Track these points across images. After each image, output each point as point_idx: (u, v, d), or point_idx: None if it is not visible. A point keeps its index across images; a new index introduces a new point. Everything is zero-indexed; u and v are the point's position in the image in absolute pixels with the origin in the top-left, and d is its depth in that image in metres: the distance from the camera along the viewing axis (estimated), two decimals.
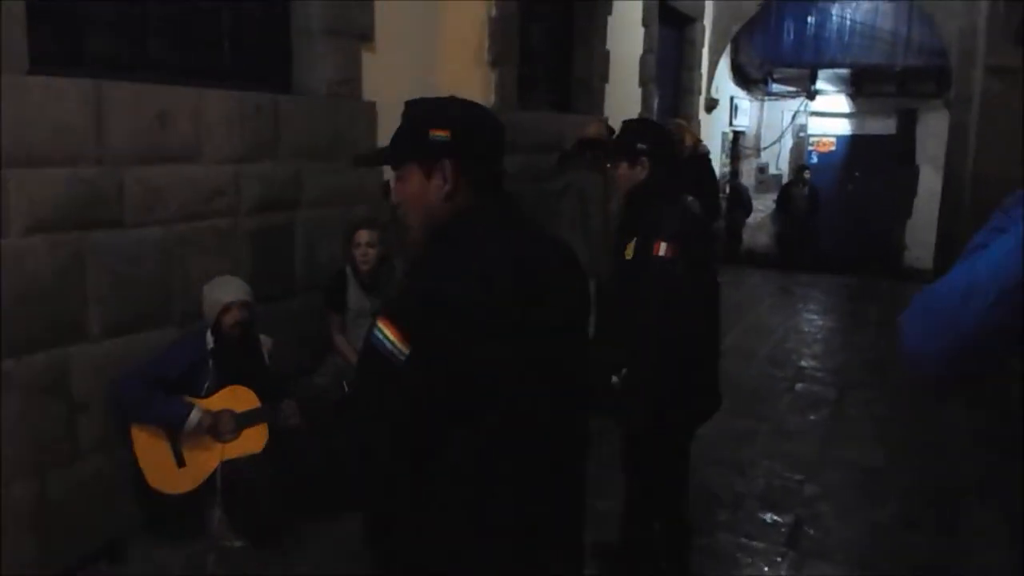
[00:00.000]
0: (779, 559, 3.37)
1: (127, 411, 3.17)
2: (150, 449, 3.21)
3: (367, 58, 4.38)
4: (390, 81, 4.51)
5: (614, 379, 2.68)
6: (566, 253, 1.58)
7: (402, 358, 1.29)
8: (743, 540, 3.51)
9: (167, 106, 3.27)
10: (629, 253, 2.65)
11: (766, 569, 3.30)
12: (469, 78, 5.38)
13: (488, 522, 1.42)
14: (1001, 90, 7.50)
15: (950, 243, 9.29)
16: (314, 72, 4.10)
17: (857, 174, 12.42)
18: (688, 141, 5.72)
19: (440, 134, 1.45)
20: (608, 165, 2.89)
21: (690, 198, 2.90)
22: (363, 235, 3.90)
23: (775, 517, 3.73)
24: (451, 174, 1.44)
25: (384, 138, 4.36)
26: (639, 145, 2.69)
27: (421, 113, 1.50)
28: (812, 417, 5.11)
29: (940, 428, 4.89)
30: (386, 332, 1.31)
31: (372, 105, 4.39)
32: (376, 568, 1.54)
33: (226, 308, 3.32)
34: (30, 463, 2.91)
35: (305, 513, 1.63)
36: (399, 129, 1.51)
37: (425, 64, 4.91)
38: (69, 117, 2.91)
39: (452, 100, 1.55)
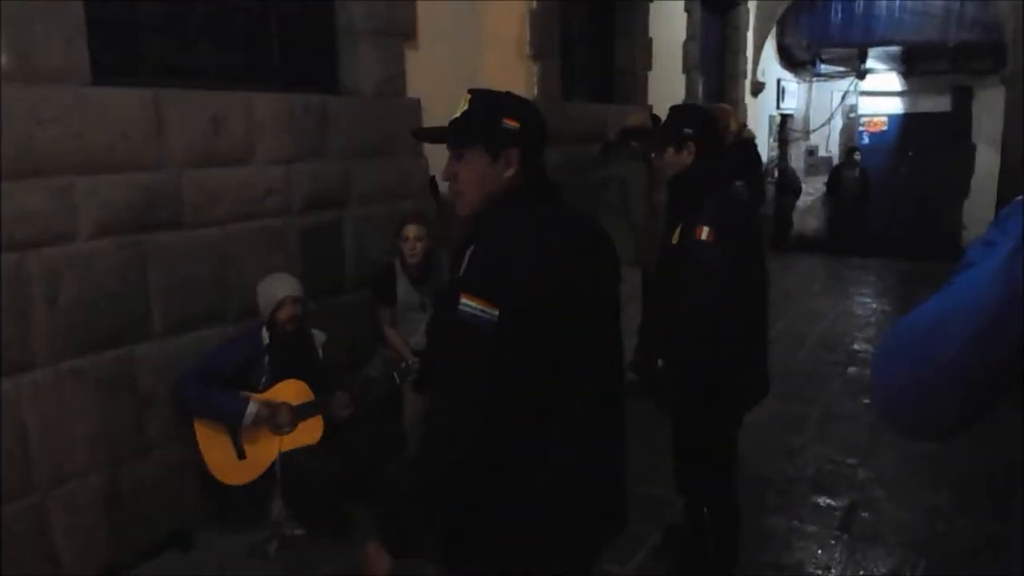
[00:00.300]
0: (833, 542, 3.36)
1: (188, 406, 3.30)
2: (212, 442, 3.34)
3: (410, 56, 4.46)
4: (433, 78, 4.59)
5: (659, 363, 2.72)
6: (596, 228, 1.82)
7: (492, 319, 1.48)
8: (795, 524, 3.51)
9: (220, 110, 3.40)
10: (675, 238, 2.68)
11: (820, 552, 3.30)
12: (511, 72, 5.42)
13: (551, 470, 1.61)
14: None
15: None
16: (359, 71, 4.20)
17: (910, 154, 12.11)
18: (733, 126, 5.66)
19: (512, 124, 1.64)
20: (653, 154, 2.90)
21: (738, 183, 2.89)
22: (411, 229, 3.98)
23: (828, 501, 3.72)
24: (516, 161, 1.64)
25: None
26: (685, 130, 2.71)
27: (493, 103, 1.69)
28: (865, 401, 5.05)
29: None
30: (471, 302, 1.49)
31: (417, 102, 4.47)
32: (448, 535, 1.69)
33: (280, 304, 3.43)
34: (103, 456, 3.06)
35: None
36: (466, 114, 1.67)
37: (467, 59, 4.96)
38: (130, 125, 3.05)
39: (511, 94, 1.74)
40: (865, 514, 3.62)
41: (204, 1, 3.52)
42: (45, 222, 2.80)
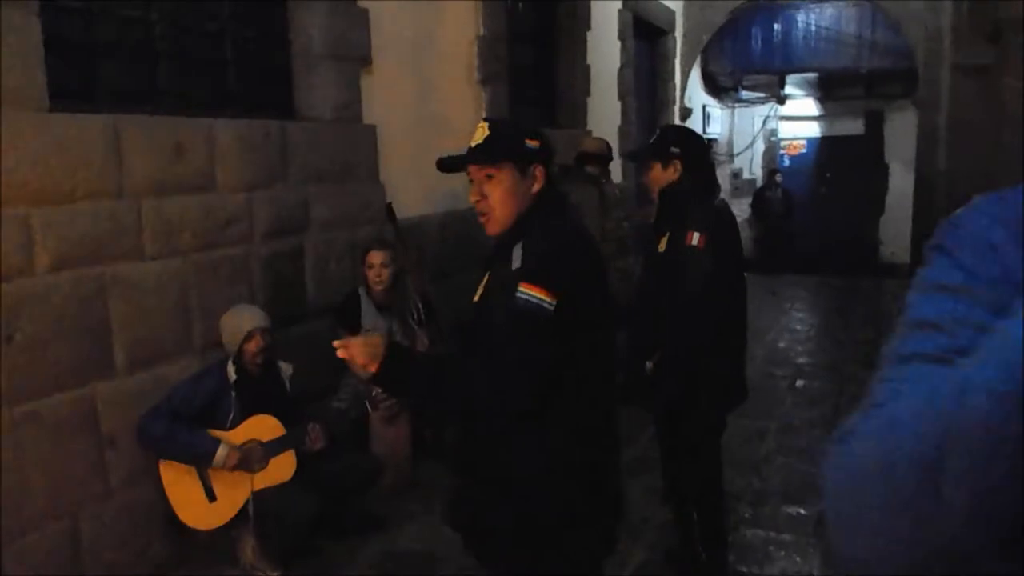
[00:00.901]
0: (811, 550, 3.42)
1: (154, 447, 3.14)
2: (179, 484, 3.18)
3: (365, 81, 4.42)
4: (388, 103, 4.56)
5: (648, 365, 2.79)
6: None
7: (551, 309, 1.63)
8: (772, 534, 3.56)
9: (181, 137, 3.28)
10: (662, 246, 2.80)
11: (799, 560, 3.35)
12: (462, 96, 5.43)
13: (582, 443, 1.77)
14: (971, 88, 7.73)
15: (926, 238, 9.52)
16: (317, 96, 4.13)
17: (828, 175, 12.68)
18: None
19: (533, 143, 1.85)
20: (641, 170, 3.03)
21: (721, 197, 3.03)
22: (376, 256, 3.92)
23: (799, 510, 3.79)
24: (541, 177, 1.83)
25: (388, 158, 4.44)
26: (672, 149, 2.86)
27: (512, 125, 1.96)
28: (817, 412, 5.20)
29: None
30: (531, 292, 1.64)
31: (373, 129, 4.42)
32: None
33: (248, 336, 3.31)
34: (63, 503, 2.87)
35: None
36: (490, 138, 1.83)
37: (420, 85, 4.96)
38: (90, 152, 2.91)
39: (519, 120, 1.95)
40: None
41: (161, 24, 3.41)
42: (5, 255, 2.63)
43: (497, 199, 1.80)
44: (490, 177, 1.80)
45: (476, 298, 1.88)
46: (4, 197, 2.62)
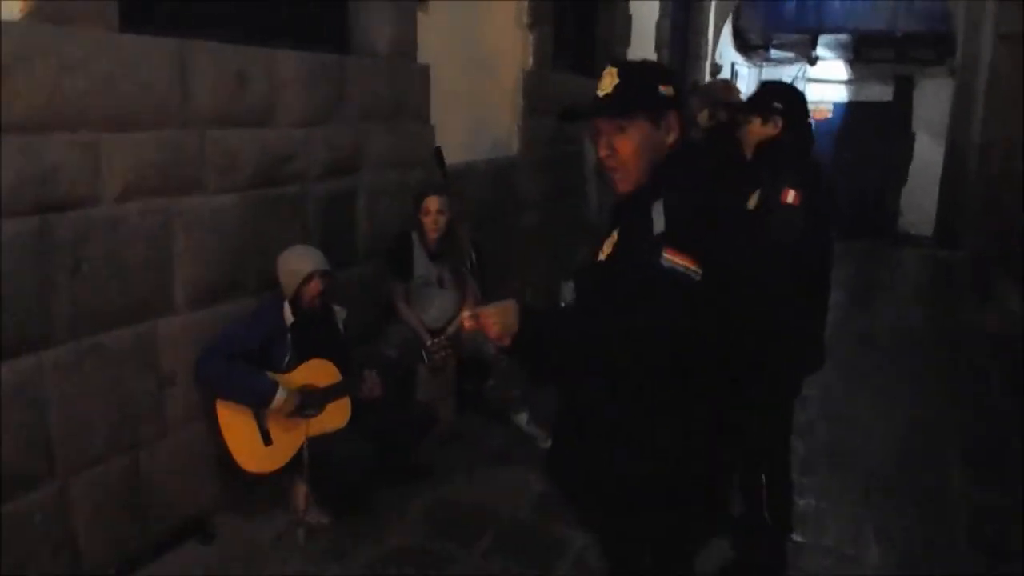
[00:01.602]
0: (863, 519, 3.41)
1: (212, 386, 3.06)
2: (235, 426, 3.11)
3: (420, 19, 4.24)
4: (440, 43, 4.40)
5: None
6: None
7: (696, 278, 1.50)
8: (824, 504, 3.54)
9: (244, 66, 3.13)
10: (752, 203, 2.69)
11: (853, 528, 3.34)
12: (509, 40, 5.28)
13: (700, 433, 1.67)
14: (1015, 57, 7.54)
15: (955, 210, 9.43)
16: (374, 31, 3.96)
17: (853, 141, 12.50)
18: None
19: (668, 90, 1.68)
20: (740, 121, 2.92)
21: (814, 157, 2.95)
22: (433, 202, 3.81)
23: (848, 478, 3.78)
24: (676, 123, 1.68)
25: (438, 99, 4.29)
26: (775, 104, 2.77)
27: (645, 71, 1.73)
28: (855, 381, 5.16)
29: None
30: (676, 259, 1.51)
31: (426, 67, 4.26)
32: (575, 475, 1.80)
33: (308, 279, 3.21)
34: (123, 439, 2.81)
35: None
36: (620, 86, 1.66)
37: (469, 26, 4.78)
38: (156, 77, 2.76)
39: (651, 61, 1.78)
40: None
41: None
42: (70, 182, 2.51)
43: (630, 153, 1.66)
44: (622, 129, 1.66)
45: (603, 256, 1.71)
46: (74, 120, 2.49)
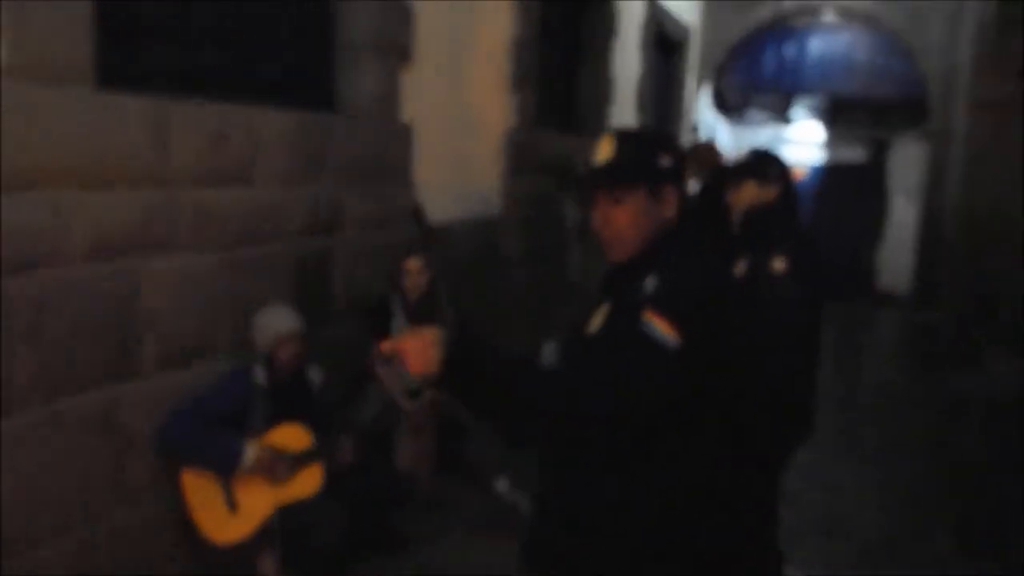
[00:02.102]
0: None
1: (178, 451, 2.93)
2: (201, 494, 2.97)
3: (403, 77, 4.24)
4: (422, 101, 4.38)
5: None
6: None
7: (674, 347, 1.41)
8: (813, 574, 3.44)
9: (223, 125, 3.08)
10: (739, 269, 2.65)
11: None
12: (493, 99, 5.28)
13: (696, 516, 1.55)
14: (990, 123, 7.70)
15: (931, 271, 9.52)
16: (358, 89, 3.94)
17: (829, 202, 12.64)
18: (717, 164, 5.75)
19: (666, 160, 1.62)
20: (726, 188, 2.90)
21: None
22: (413, 263, 3.74)
23: (837, 546, 3.68)
24: (673, 198, 1.61)
25: (421, 157, 4.26)
26: (770, 169, 2.80)
27: (644, 141, 1.67)
28: (842, 444, 5.10)
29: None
30: (656, 324, 1.42)
31: (409, 126, 4.24)
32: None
33: (283, 340, 3.12)
34: (80, 512, 2.66)
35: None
36: (618, 156, 1.61)
37: (454, 85, 4.79)
38: (134, 136, 2.70)
39: (650, 129, 1.70)
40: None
41: (210, 2, 3.20)
42: (33, 241, 2.41)
43: (624, 225, 1.60)
44: (617, 201, 1.59)
45: (592, 327, 1.62)
46: (46, 177, 2.41)
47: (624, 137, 1.65)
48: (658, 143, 1.65)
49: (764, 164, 2.80)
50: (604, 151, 1.63)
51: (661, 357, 1.42)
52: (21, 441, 2.43)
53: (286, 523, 3.00)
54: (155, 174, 2.79)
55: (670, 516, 1.55)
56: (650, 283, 1.50)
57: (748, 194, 2.78)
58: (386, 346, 1.48)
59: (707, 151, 6.01)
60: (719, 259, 1.72)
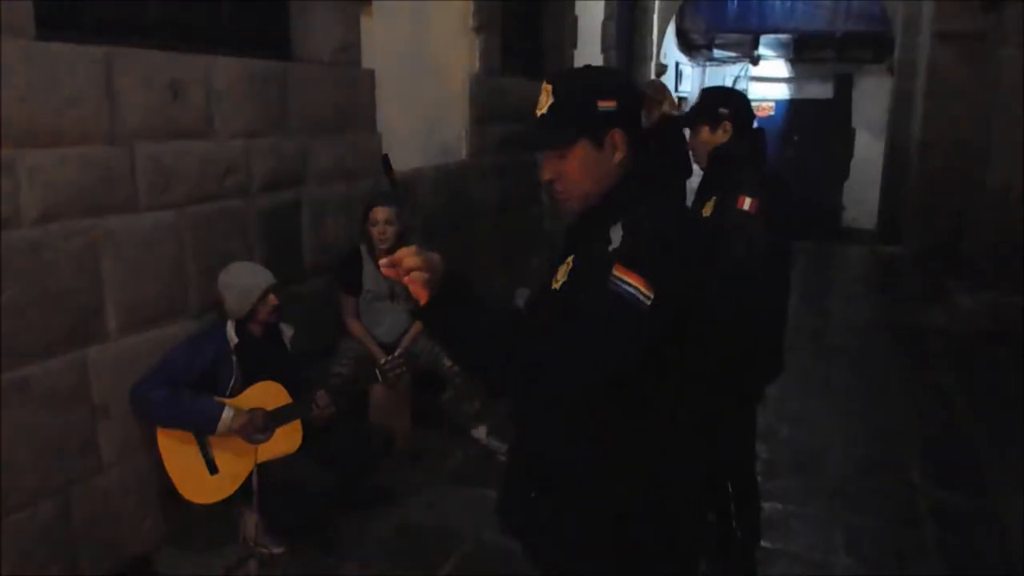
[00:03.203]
0: (830, 522, 3.38)
1: (152, 414, 2.88)
2: (178, 456, 2.93)
3: (364, 24, 4.09)
4: (384, 48, 4.25)
5: None
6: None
7: (647, 303, 1.35)
8: (790, 507, 3.51)
9: (177, 75, 2.95)
10: (707, 210, 2.63)
11: (821, 532, 3.31)
12: (456, 44, 5.15)
13: (671, 471, 1.54)
14: (952, 56, 7.70)
15: (895, 205, 9.61)
16: (316, 37, 3.80)
17: (796, 138, 12.68)
18: (666, 105, 5.72)
19: (607, 104, 1.49)
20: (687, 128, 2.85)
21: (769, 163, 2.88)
22: (380, 212, 3.67)
23: (812, 481, 3.76)
24: (621, 142, 1.50)
25: (385, 107, 4.15)
26: (720, 110, 2.70)
27: (580, 85, 1.53)
28: (812, 381, 5.17)
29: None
30: (628, 280, 1.36)
31: (371, 73, 4.12)
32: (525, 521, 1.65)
33: (263, 296, 3.05)
34: (53, 479, 2.61)
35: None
36: (554, 107, 1.50)
37: (416, 30, 4.65)
38: (80, 89, 2.57)
39: (595, 68, 1.61)
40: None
41: None
42: None
43: (574, 178, 1.51)
44: (562, 156, 1.51)
45: (556, 283, 1.53)
46: None
47: (561, 83, 1.52)
48: (597, 87, 1.51)
49: (713, 105, 2.74)
50: (542, 99, 1.52)
51: (634, 316, 1.36)
52: None
53: (266, 482, 2.97)
54: (106, 128, 2.67)
55: (645, 472, 1.51)
56: (615, 234, 1.42)
57: (703, 138, 2.73)
58: (385, 263, 1.41)
59: (655, 87, 5.97)
60: (683, 201, 1.66)
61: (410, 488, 3.57)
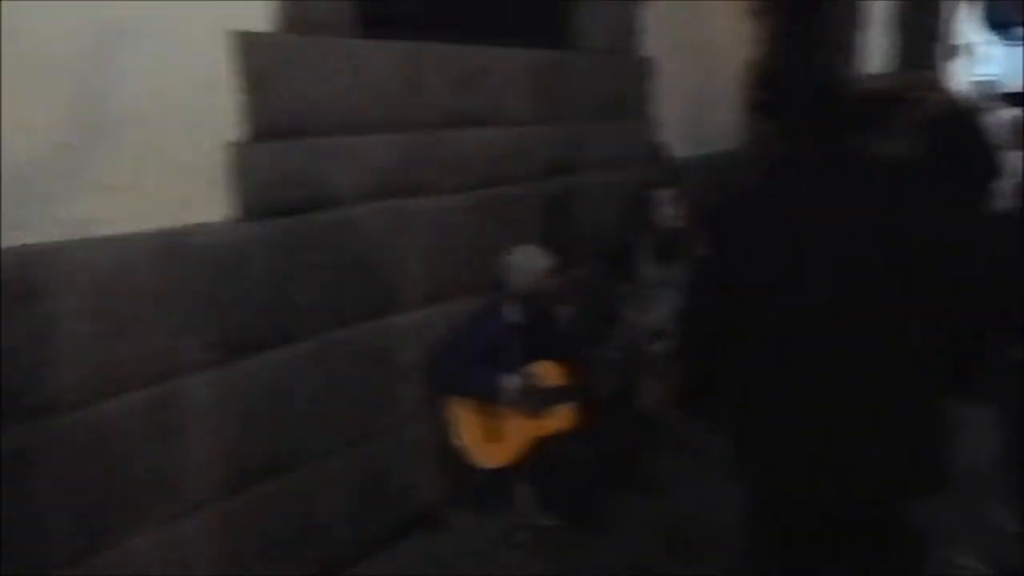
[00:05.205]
0: None
1: (446, 383, 3.07)
2: (466, 421, 3.11)
3: (642, 13, 4.09)
4: (663, 35, 4.22)
5: None
6: None
7: None
8: None
9: (469, 67, 3.14)
10: None
11: None
12: (739, 31, 4.98)
13: None
14: None
15: None
16: (593, 26, 3.86)
17: None
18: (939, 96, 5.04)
19: None
20: None
21: None
22: (664, 193, 3.62)
23: None
24: None
25: (660, 93, 4.10)
26: None
27: None
28: None
29: None
30: None
31: (650, 61, 4.10)
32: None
33: (543, 278, 3.16)
34: (360, 430, 2.89)
35: None
36: None
37: (696, 19, 4.56)
38: (390, 81, 2.83)
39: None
40: None
41: None
42: (313, 185, 2.61)
43: None
44: None
45: None
46: (318, 125, 2.59)
47: None
48: None
49: None
50: None
51: None
52: (310, 364, 2.66)
53: (541, 456, 3.06)
54: (411, 117, 2.91)
55: None
56: None
57: None
58: None
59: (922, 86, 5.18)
60: None
61: (682, 478, 3.49)
